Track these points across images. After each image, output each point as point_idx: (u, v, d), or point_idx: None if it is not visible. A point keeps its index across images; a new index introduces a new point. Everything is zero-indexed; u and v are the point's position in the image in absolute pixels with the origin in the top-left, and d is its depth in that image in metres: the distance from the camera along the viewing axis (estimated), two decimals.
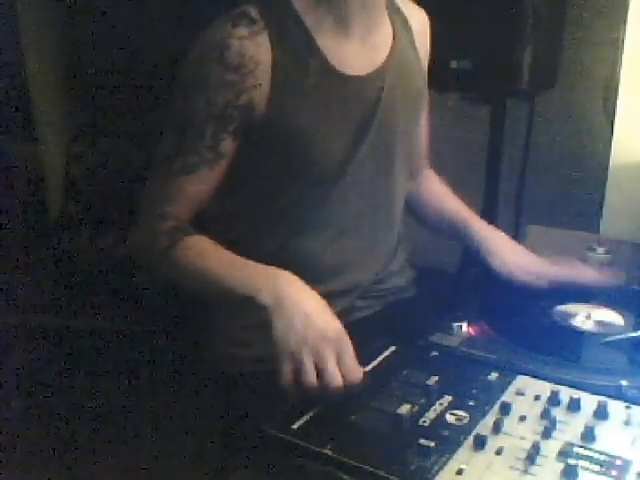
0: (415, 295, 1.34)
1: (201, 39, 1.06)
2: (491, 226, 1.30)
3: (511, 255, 1.22)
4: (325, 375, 0.86)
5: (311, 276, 0.98)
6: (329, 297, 0.95)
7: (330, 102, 1.09)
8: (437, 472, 0.72)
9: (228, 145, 1.07)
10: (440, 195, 1.38)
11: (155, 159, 1.12)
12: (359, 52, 1.12)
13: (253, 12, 1.05)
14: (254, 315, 0.93)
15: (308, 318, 0.89)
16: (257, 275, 0.97)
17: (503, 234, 1.28)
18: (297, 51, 1.06)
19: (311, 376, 0.86)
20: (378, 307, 1.26)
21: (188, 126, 1.06)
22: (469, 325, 1.04)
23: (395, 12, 1.20)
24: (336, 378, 0.86)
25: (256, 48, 1.03)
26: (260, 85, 1.04)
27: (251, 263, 1.00)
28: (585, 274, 1.17)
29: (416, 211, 1.39)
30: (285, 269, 0.97)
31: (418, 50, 1.24)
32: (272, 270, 0.97)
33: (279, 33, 1.05)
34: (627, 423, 0.80)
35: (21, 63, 3.02)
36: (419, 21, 1.26)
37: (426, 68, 1.29)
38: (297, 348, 0.87)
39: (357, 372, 0.88)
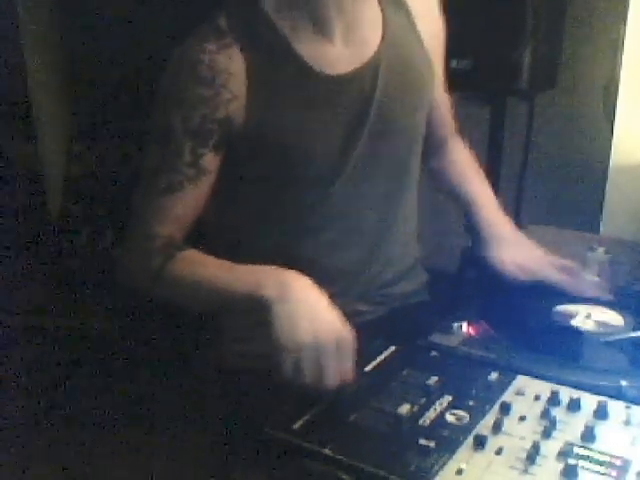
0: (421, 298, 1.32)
1: (175, 56, 1.06)
2: (500, 215, 1.29)
3: (508, 252, 1.21)
4: (324, 375, 0.86)
5: (312, 279, 0.98)
6: (331, 299, 0.94)
7: (313, 105, 1.07)
8: (437, 472, 0.72)
9: (210, 160, 1.06)
10: (459, 170, 1.36)
11: (140, 174, 1.11)
12: (342, 50, 1.09)
13: (223, 24, 1.05)
14: (255, 314, 0.92)
15: (314, 315, 0.88)
16: (260, 272, 0.95)
17: (508, 225, 1.27)
18: (272, 57, 1.06)
19: (309, 375, 0.85)
20: (385, 311, 1.24)
21: (168, 142, 1.06)
22: (469, 325, 1.04)
23: None
24: (334, 379, 0.86)
25: (227, 60, 1.03)
26: (236, 97, 1.04)
27: (252, 265, 0.98)
28: (580, 286, 1.15)
29: (435, 181, 1.38)
30: None
31: (420, 32, 1.18)
32: (277, 268, 0.95)
33: (251, 42, 1.05)
34: (627, 423, 0.80)
35: (21, 63, 3.02)
36: (420, 1, 1.19)
37: (441, 45, 1.24)
38: (299, 345, 0.86)
39: (351, 374, 0.87)
